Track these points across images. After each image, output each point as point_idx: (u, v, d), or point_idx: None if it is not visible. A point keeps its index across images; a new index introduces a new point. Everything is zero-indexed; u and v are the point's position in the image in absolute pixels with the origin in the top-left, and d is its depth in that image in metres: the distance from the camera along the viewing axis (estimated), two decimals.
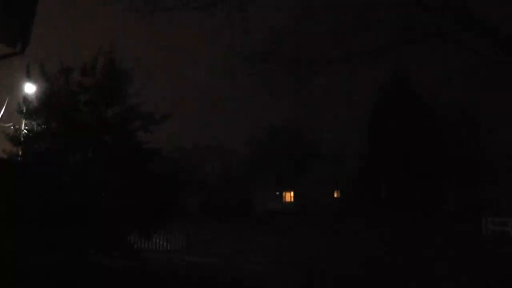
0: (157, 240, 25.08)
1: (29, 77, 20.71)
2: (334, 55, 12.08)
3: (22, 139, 16.83)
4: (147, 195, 16.17)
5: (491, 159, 51.70)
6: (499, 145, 49.81)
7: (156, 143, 17.91)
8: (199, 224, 35.71)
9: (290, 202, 67.62)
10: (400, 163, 54.36)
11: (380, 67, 13.73)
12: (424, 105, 52.63)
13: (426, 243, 30.28)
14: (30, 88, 20.55)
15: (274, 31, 11.66)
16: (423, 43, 11.99)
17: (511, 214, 34.39)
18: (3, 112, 18.77)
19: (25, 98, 18.10)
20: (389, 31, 11.82)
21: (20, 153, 16.66)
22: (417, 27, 11.35)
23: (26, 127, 17.50)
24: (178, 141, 62.37)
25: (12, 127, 17.37)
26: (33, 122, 17.31)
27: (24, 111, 17.35)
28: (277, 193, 68.46)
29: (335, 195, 66.62)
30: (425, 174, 52.63)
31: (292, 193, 68.38)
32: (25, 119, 17.71)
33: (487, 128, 50.25)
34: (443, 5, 10.70)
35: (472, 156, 52.73)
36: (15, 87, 20.77)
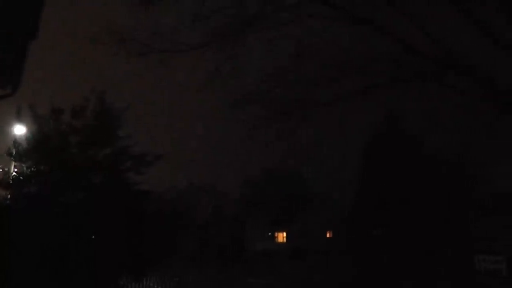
0: (148, 283, 24.67)
1: (20, 119, 20.63)
2: (325, 97, 12.19)
3: (10, 182, 16.65)
4: (139, 236, 16.01)
5: (480, 197, 51.81)
6: (487, 184, 50.04)
7: (149, 183, 17.84)
8: (191, 266, 35.30)
9: (283, 243, 67.11)
10: (391, 203, 54.32)
11: (372, 109, 13.87)
12: (415, 146, 52.92)
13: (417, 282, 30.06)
14: (20, 130, 20.43)
15: (265, 75, 11.78)
16: (413, 85, 12.12)
17: (502, 252, 34.31)
18: None
19: (15, 140, 17.95)
20: (379, 72, 11.96)
21: (9, 196, 16.45)
22: (405, 69, 11.50)
23: (16, 170, 17.34)
24: (172, 181, 62.30)
25: (0, 170, 17.22)
26: (23, 165, 17.17)
27: (14, 153, 17.20)
28: (270, 233, 68.03)
29: (328, 235, 66.23)
30: (415, 212, 52.57)
31: (284, 234, 67.94)
32: (15, 161, 17.54)
33: (476, 168, 50.44)
34: (430, 50, 10.89)
35: (461, 195, 52.82)
36: (5, 129, 20.66)
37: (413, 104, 13.25)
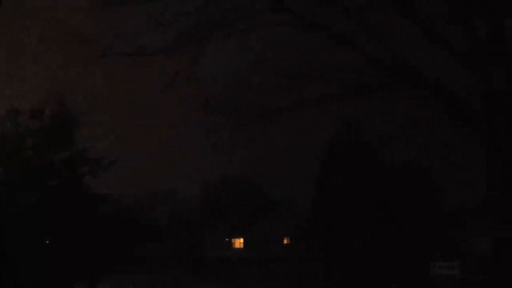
0: None
1: None
2: (285, 105, 12.28)
3: None
4: (95, 241, 15.81)
5: (439, 205, 52.87)
6: (448, 195, 51.10)
7: (107, 187, 17.67)
8: (148, 272, 34.90)
9: (240, 249, 67.01)
10: (347, 213, 54.90)
11: (332, 117, 14.04)
12: (374, 154, 53.59)
13: None
14: None
15: (226, 82, 11.82)
16: (373, 94, 12.28)
17: (456, 258, 35.20)
18: None
19: None
20: (339, 81, 12.10)
21: None
22: (365, 79, 11.70)
23: None
24: (131, 185, 61.51)
25: None
26: None
27: None
28: (227, 239, 67.86)
29: (285, 241, 66.47)
30: (373, 220, 53.28)
31: (241, 240, 67.88)
32: None
33: (437, 179, 51.48)
34: (390, 61, 11.11)
35: (420, 203, 53.79)
36: None
37: (373, 113, 13.47)
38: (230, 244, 68.14)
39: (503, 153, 10.36)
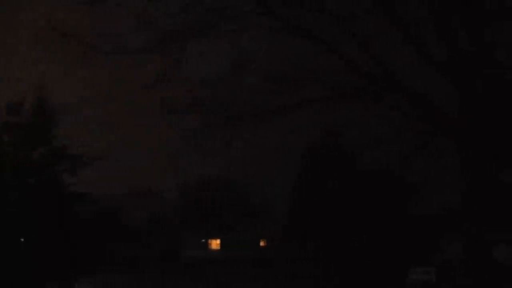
0: None
1: None
2: (266, 108, 12.28)
3: None
4: (71, 241, 15.68)
5: (418, 211, 53.39)
6: (424, 204, 51.60)
7: (85, 186, 17.53)
8: (125, 272, 34.69)
9: (217, 250, 66.95)
10: (325, 217, 55.19)
11: (312, 121, 14.05)
12: (352, 159, 53.89)
13: None
14: None
15: (207, 83, 11.79)
16: (353, 101, 12.35)
17: (433, 263, 35.56)
18: None
19: None
20: (320, 87, 12.15)
21: None
22: (346, 86, 11.77)
23: None
24: (109, 184, 60.97)
25: None
26: None
27: None
28: (203, 240, 67.74)
29: (262, 244, 66.56)
30: (350, 225, 53.62)
31: (218, 241, 67.80)
32: None
33: (415, 185, 52.00)
34: (371, 69, 11.20)
35: (398, 209, 54.28)
36: None
37: (353, 119, 13.52)
38: (207, 244, 68.05)
39: (478, 161, 10.54)
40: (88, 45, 10.90)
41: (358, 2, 11.11)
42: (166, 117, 12.01)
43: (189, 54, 11.44)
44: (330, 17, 11.07)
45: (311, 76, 12.10)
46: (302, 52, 12.05)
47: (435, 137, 12.16)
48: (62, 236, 15.72)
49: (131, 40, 11.12)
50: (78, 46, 11.09)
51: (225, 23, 11.47)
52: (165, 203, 72.52)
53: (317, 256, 54.72)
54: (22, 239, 15.53)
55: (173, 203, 72.43)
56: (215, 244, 69.25)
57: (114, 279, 26.61)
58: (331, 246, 55.08)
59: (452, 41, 10.93)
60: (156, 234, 66.30)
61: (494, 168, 10.65)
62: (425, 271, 34.96)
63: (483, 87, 10.83)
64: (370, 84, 11.70)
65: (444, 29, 10.97)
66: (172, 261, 59.07)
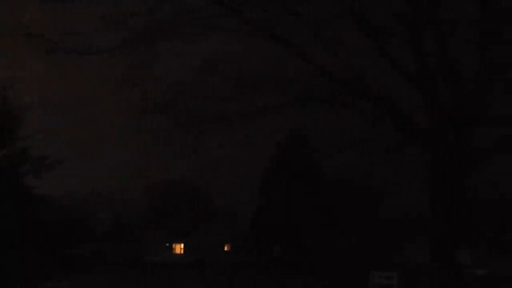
0: None
1: None
2: (233, 112, 12.24)
3: None
4: (32, 244, 15.35)
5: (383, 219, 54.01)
6: (392, 209, 52.36)
7: (47, 188, 17.20)
8: (86, 277, 34.11)
9: (180, 254, 66.49)
10: (290, 223, 55.52)
11: (280, 125, 14.08)
12: (318, 164, 54.23)
13: None
14: None
15: (175, 86, 11.69)
16: (323, 105, 12.40)
17: (395, 268, 36.04)
18: None
19: None
20: (289, 91, 12.18)
21: None
22: (316, 90, 11.83)
23: None
24: (72, 186, 59.97)
25: None
26: None
27: None
28: (167, 244, 67.18)
29: (226, 248, 66.37)
30: (314, 230, 53.98)
31: (182, 245, 67.35)
32: None
33: (380, 192, 52.78)
34: (344, 75, 11.29)
35: (363, 214, 54.86)
36: None
37: (321, 123, 13.59)
38: (171, 249, 67.56)
39: (447, 171, 10.71)
40: (53, 44, 10.71)
41: (328, 7, 11.19)
42: (131, 119, 11.88)
43: (158, 55, 11.37)
44: (301, 21, 11.12)
45: (281, 79, 12.13)
46: (272, 55, 12.08)
47: (404, 145, 12.28)
48: (24, 238, 15.38)
49: (98, 40, 10.99)
50: (43, 45, 10.89)
51: (192, 25, 11.42)
52: (127, 206, 71.66)
53: (282, 259, 54.87)
54: None
55: (136, 206, 71.68)
56: (179, 248, 68.83)
57: (76, 281, 26.20)
58: (296, 249, 55.33)
59: (419, 53, 11.08)
60: (119, 237, 65.44)
61: (459, 173, 10.81)
62: (388, 276, 35.28)
63: (451, 97, 10.99)
64: (340, 88, 11.78)
65: (412, 41, 11.12)
66: (134, 264, 58.33)
